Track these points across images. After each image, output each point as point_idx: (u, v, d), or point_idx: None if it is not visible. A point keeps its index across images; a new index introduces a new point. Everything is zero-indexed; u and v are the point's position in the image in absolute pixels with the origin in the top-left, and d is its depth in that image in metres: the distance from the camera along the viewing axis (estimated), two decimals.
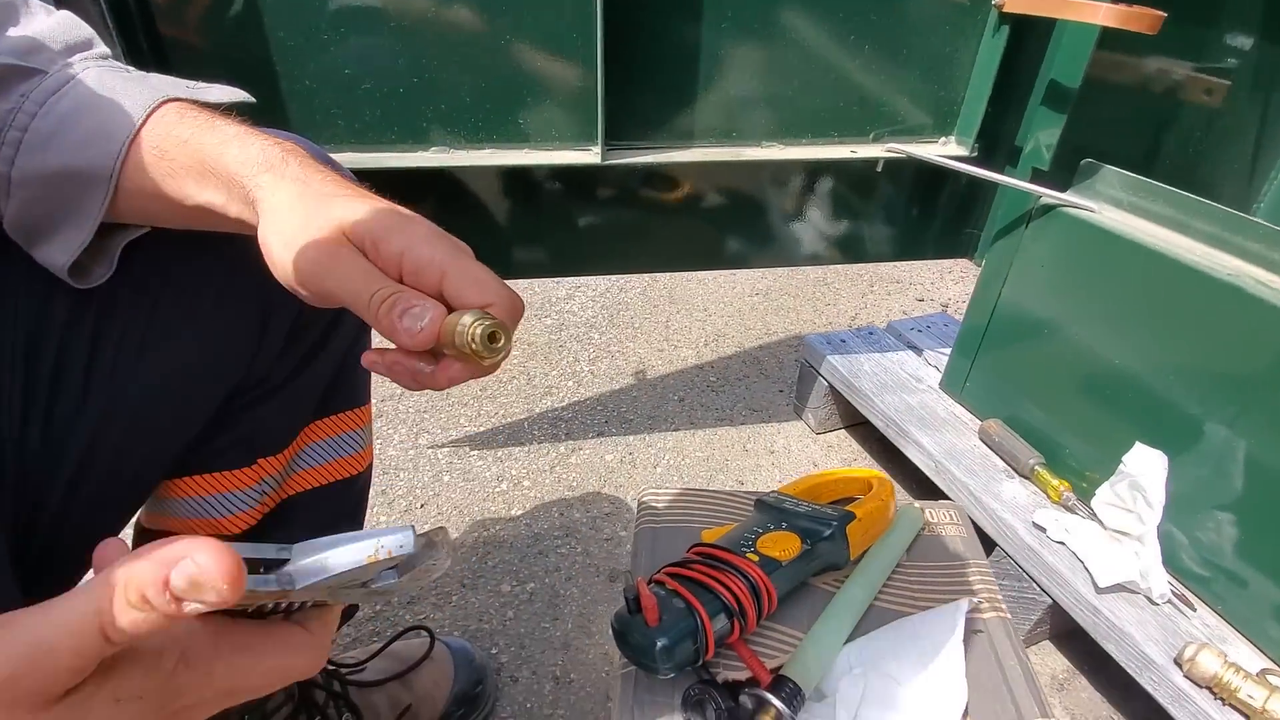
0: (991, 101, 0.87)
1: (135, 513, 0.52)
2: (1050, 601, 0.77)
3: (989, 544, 0.84)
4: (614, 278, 1.64)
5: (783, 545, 0.54)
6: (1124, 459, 0.72)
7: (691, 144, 0.83)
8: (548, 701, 0.77)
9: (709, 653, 0.47)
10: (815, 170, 0.90)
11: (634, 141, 0.82)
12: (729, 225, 0.94)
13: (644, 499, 0.66)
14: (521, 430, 1.17)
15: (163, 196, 0.38)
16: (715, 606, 0.48)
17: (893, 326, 1.20)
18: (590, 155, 0.79)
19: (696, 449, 1.14)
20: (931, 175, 0.95)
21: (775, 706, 0.45)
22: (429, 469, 1.08)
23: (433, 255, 0.33)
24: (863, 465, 1.13)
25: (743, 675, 0.52)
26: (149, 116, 0.37)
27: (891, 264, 1.77)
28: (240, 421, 0.51)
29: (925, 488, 0.96)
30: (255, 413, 0.52)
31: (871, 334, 1.17)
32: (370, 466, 0.64)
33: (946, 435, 0.94)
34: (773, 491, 0.62)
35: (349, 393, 0.58)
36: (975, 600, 0.56)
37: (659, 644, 0.46)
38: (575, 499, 1.04)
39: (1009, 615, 0.56)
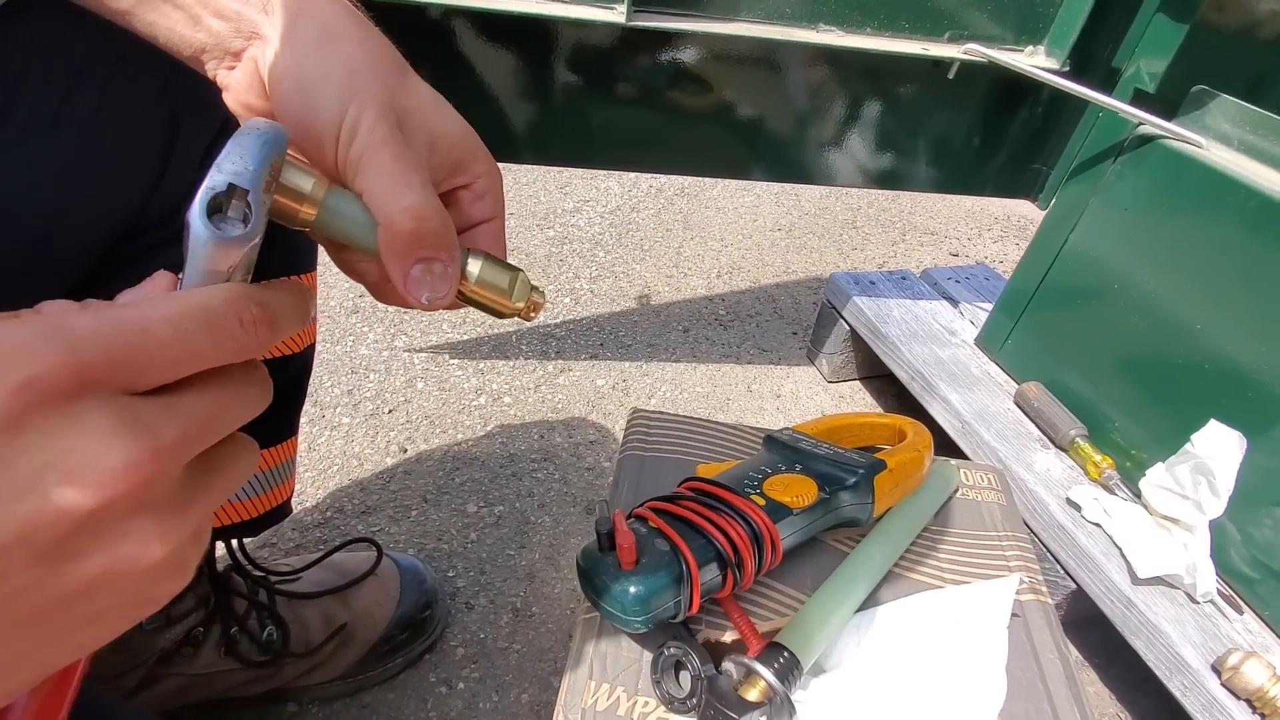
0: (1092, 12, 0.73)
1: None
2: (1074, 587, 0.68)
3: None
4: (626, 196, 1.51)
5: (796, 490, 0.44)
6: (1193, 438, 0.62)
7: (735, 17, 0.70)
8: (504, 634, 0.70)
9: (693, 607, 0.38)
10: (873, 68, 0.77)
11: (667, 6, 0.69)
12: (760, 130, 0.82)
13: (633, 420, 0.57)
14: (508, 343, 1.07)
15: None
16: (707, 553, 0.39)
17: (928, 274, 1.08)
18: (614, 14, 0.66)
19: (697, 384, 1.05)
20: (1006, 93, 0.81)
21: (765, 679, 0.36)
22: (402, 373, 0.98)
23: (495, 204, 0.31)
24: None
25: (729, 637, 0.44)
26: None
27: (926, 214, 1.64)
28: (139, 269, 0.41)
29: (947, 452, 0.87)
30: (160, 260, 0.41)
31: (904, 279, 1.05)
32: (311, 348, 0.54)
33: (978, 395, 0.84)
34: (787, 429, 0.52)
35: (286, 253, 0.48)
36: (1024, 579, 0.47)
37: (632, 591, 0.37)
38: (559, 422, 0.94)
39: (1050, 600, 0.47)
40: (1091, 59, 0.78)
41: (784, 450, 0.49)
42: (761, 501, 0.42)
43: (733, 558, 0.39)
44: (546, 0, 0.66)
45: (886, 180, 0.87)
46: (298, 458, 0.84)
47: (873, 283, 1.03)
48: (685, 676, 0.39)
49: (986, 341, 0.91)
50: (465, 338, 1.06)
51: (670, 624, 0.41)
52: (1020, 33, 0.77)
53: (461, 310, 1.11)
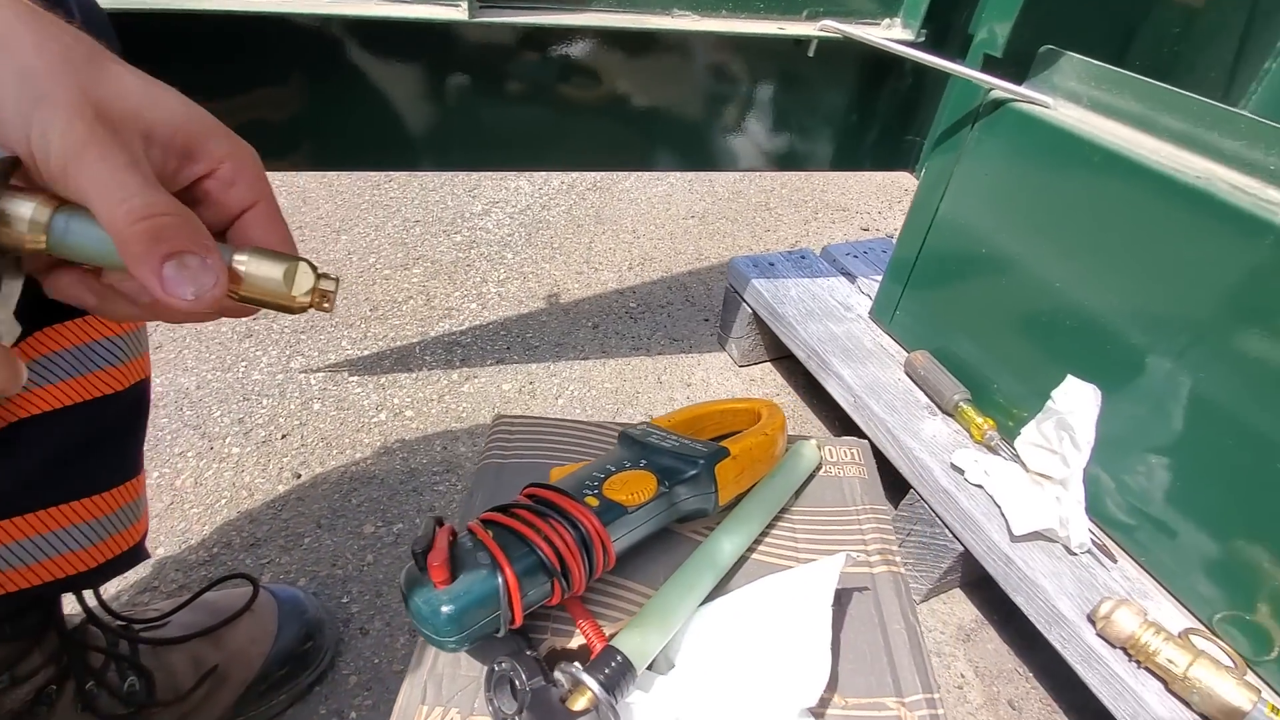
0: None
1: None
2: (962, 549, 0.69)
3: (905, 487, 0.76)
4: (536, 194, 1.49)
5: (634, 487, 0.43)
6: (1053, 394, 0.64)
7: (585, 7, 0.68)
8: (400, 657, 0.68)
9: (515, 620, 0.37)
10: (736, 53, 0.77)
11: (513, 1, 0.67)
12: (633, 119, 0.80)
13: (494, 430, 0.55)
14: (411, 355, 1.04)
15: None
16: (529, 564, 0.38)
17: (827, 251, 1.09)
18: (455, 11, 0.64)
19: (605, 379, 1.04)
20: (872, 69, 0.82)
21: (591, 689, 0.36)
22: (297, 396, 0.95)
23: (252, 188, 0.28)
24: (785, 402, 1.04)
25: (578, 643, 0.43)
26: None
27: (838, 191, 1.65)
28: None
29: (849, 429, 0.87)
30: None
31: (803, 258, 1.06)
32: (143, 384, 0.51)
33: (870, 368, 0.85)
34: (642, 423, 0.52)
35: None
36: (859, 554, 0.47)
37: (444, 610, 0.35)
38: (462, 431, 0.92)
39: (903, 570, 0.48)
40: (950, 27, 0.79)
41: (634, 446, 0.48)
42: (595, 503, 0.41)
43: (557, 566, 0.38)
44: (386, 2, 0.64)
45: (774, 162, 0.87)
46: (184, 495, 0.80)
47: (772, 264, 1.03)
48: (513, 692, 0.37)
49: (879, 314, 0.92)
50: (366, 353, 1.03)
51: (508, 638, 0.40)
52: (877, 6, 0.77)
53: (361, 326, 1.08)
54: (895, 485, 0.91)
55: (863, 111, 0.85)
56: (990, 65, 0.71)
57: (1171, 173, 0.55)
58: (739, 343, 1.06)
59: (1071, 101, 0.67)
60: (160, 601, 0.69)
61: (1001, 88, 0.68)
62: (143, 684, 0.56)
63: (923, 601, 0.78)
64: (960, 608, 0.79)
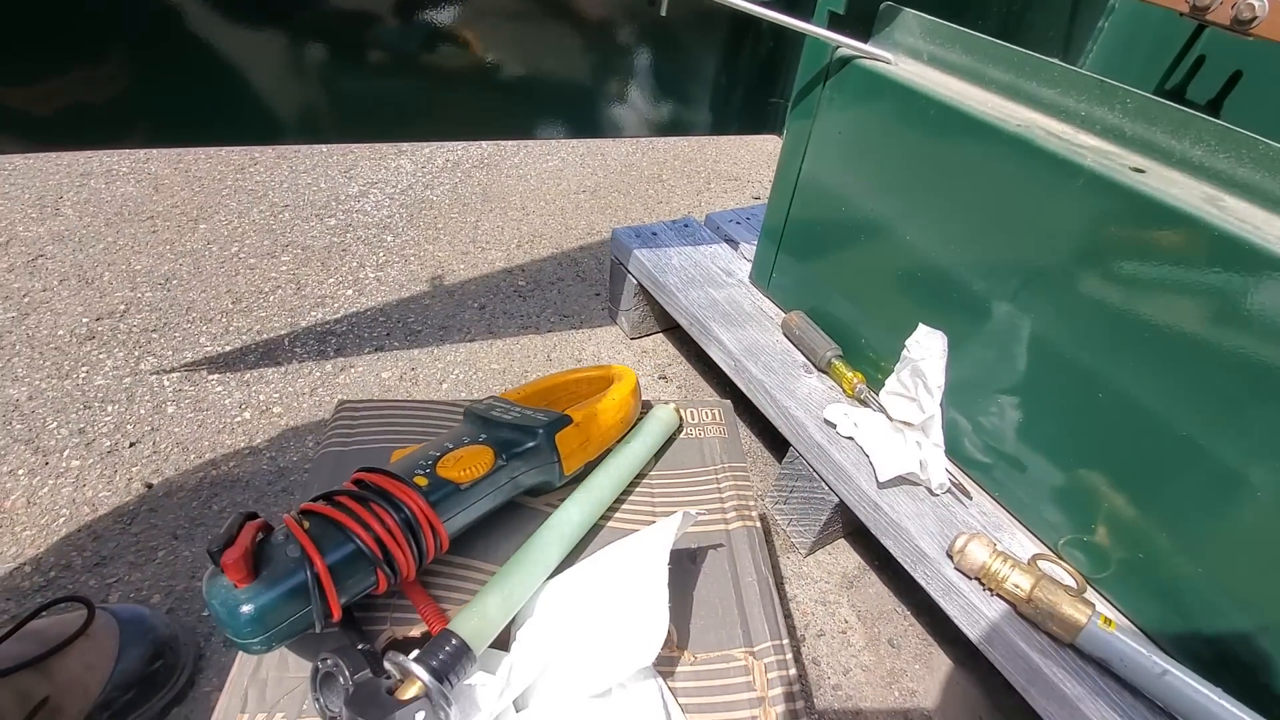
0: None
1: None
2: (838, 500, 0.71)
3: (784, 445, 0.78)
4: (419, 174, 1.42)
5: (469, 464, 0.41)
6: (906, 343, 0.66)
7: None
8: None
9: (334, 615, 0.35)
10: (597, 14, 0.74)
11: None
12: (505, 86, 0.77)
13: (336, 417, 0.52)
14: (280, 348, 0.98)
15: None
16: (347, 554, 0.35)
17: (710, 219, 1.09)
18: None
19: (492, 360, 1.01)
20: (732, 30, 0.81)
21: (420, 678, 0.34)
22: (148, 399, 0.87)
23: None
24: (677, 371, 1.04)
25: (422, 629, 0.41)
26: None
27: (730, 162, 1.67)
28: None
29: (734, 392, 0.88)
30: None
31: (686, 226, 1.06)
32: None
33: (750, 331, 0.85)
34: (489, 397, 0.50)
35: None
36: (719, 515, 0.48)
37: (244, 610, 0.32)
38: None
39: (757, 524, 0.48)
40: None
41: (477, 422, 0.46)
42: (425, 483, 0.39)
43: (379, 554, 0.36)
44: None
45: (651, 127, 0.86)
46: (14, 517, 0.72)
47: (654, 234, 1.02)
48: (338, 688, 0.35)
49: (757, 278, 0.93)
50: (227, 349, 0.96)
51: (337, 633, 0.38)
52: None
53: (222, 320, 1.00)
54: (778, 444, 0.94)
55: (727, 76, 0.85)
56: (836, 23, 0.72)
57: (996, 122, 0.57)
58: (628, 315, 1.06)
59: (912, 58, 0.69)
60: None
61: (846, 45, 0.69)
62: None
63: (809, 555, 0.81)
64: (844, 557, 0.82)
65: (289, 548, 0.35)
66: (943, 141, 0.63)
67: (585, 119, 0.82)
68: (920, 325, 0.66)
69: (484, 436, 0.44)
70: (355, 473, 0.41)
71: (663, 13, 0.73)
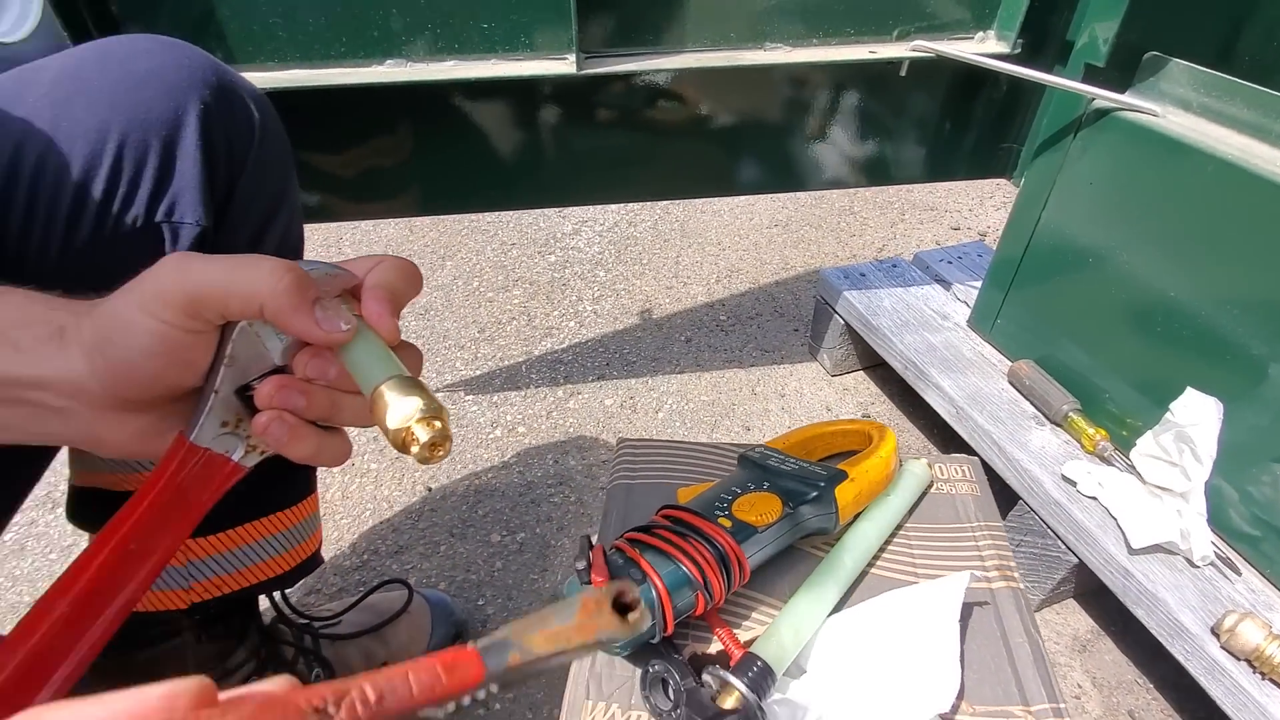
0: None
1: None
2: (1076, 561, 0.70)
3: (1013, 498, 0.77)
4: (623, 211, 1.55)
5: (761, 509, 0.47)
6: (1171, 407, 0.63)
7: (681, 49, 0.73)
8: None
9: (668, 629, 0.42)
10: (828, 76, 0.79)
11: (615, 49, 0.72)
12: (733, 146, 0.85)
13: (619, 453, 0.61)
14: (519, 374, 1.12)
15: None
16: (676, 579, 0.43)
17: (919, 258, 1.09)
18: (564, 64, 0.70)
19: (702, 393, 1.08)
20: (965, 80, 0.83)
21: (738, 689, 0.40)
22: None
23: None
24: (880, 410, 1.05)
25: (714, 649, 0.48)
26: None
27: (925, 189, 1.63)
28: None
29: (948, 436, 0.88)
30: None
31: (895, 266, 1.07)
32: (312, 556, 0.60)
33: (971, 378, 0.85)
34: (759, 446, 0.56)
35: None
36: (981, 573, 0.50)
37: None
38: (571, 445, 0.99)
39: (1021, 585, 0.50)
40: (1047, 35, 0.78)
41: (754, 469, 0.52)
42: (729, 524, 0.46)
43: (701, 581, 0.43)
44: (500, 61, 0.70)
45: (864, 177, 0.89)
46: (335, 507, 0.90)
47: (863, 275, 1.05)
48: (668, 690, 0.42)
49: (978, 321, 0.92)
50: (478, 373, 1.12)
51: (656, 645, 0.45)
52: (970, 18, 0.78)
53: (471, 347, 1.17)
54: (1001, 495, 0.91)
55: (956, 122, 0.86)
56: (1091, 74, 0.71)
57: None
58: (831, 353, 1.08)
59: (1180, 109, 0.66)
60: (326, 603, 0.79)
61: (1105, 97, 0.68)
62: (326, 675, 0.64)
63: (1035, 611, 0.78)
64: (1074, 618, 0.79)
65: (630, 570, 0.43)
66: (1220, 199, 0.60)
67: (798, 173, 0.87)
68: (1189, 389, 0.63)
69: (767, 484, 0.50)
70: (662, 509, 0.48)
71: (902, 73, 0.76)
